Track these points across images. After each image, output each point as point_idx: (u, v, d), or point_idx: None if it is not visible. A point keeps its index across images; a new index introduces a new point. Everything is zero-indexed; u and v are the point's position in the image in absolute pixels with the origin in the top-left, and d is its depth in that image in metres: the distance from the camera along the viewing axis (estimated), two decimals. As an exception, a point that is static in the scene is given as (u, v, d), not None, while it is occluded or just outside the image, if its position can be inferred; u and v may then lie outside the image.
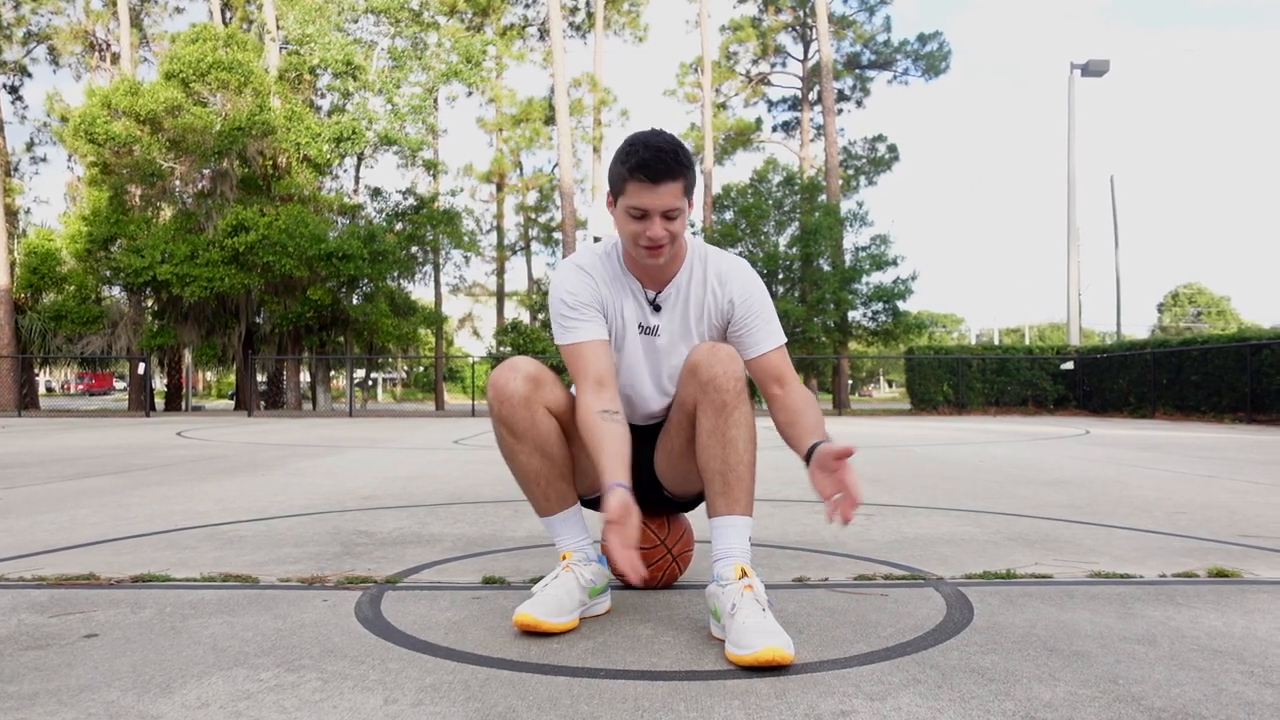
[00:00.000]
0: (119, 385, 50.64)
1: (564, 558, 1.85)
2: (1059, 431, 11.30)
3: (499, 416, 1.82)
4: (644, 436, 2.01)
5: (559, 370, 2.06)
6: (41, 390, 31.56)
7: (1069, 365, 20.05)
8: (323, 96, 25.78)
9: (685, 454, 1.88)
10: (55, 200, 42.57)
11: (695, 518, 2.17)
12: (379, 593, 2.09)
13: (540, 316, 27.46)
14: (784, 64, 32.55)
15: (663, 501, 2.05)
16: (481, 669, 1.51)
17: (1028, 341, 55.61)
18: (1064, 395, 20.17)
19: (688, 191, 1.77)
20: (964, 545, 2.72)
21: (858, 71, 31.06)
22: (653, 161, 1.70)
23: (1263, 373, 14.03)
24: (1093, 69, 23.20)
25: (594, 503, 2.05)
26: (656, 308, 1.90)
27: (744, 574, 1.66)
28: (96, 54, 30.77)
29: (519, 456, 1.85)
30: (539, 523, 3.14)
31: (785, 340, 1.93)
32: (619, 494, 1.58)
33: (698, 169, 27.72)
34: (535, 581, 2.05)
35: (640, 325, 1.91)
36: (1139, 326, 64.96)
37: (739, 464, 1.74)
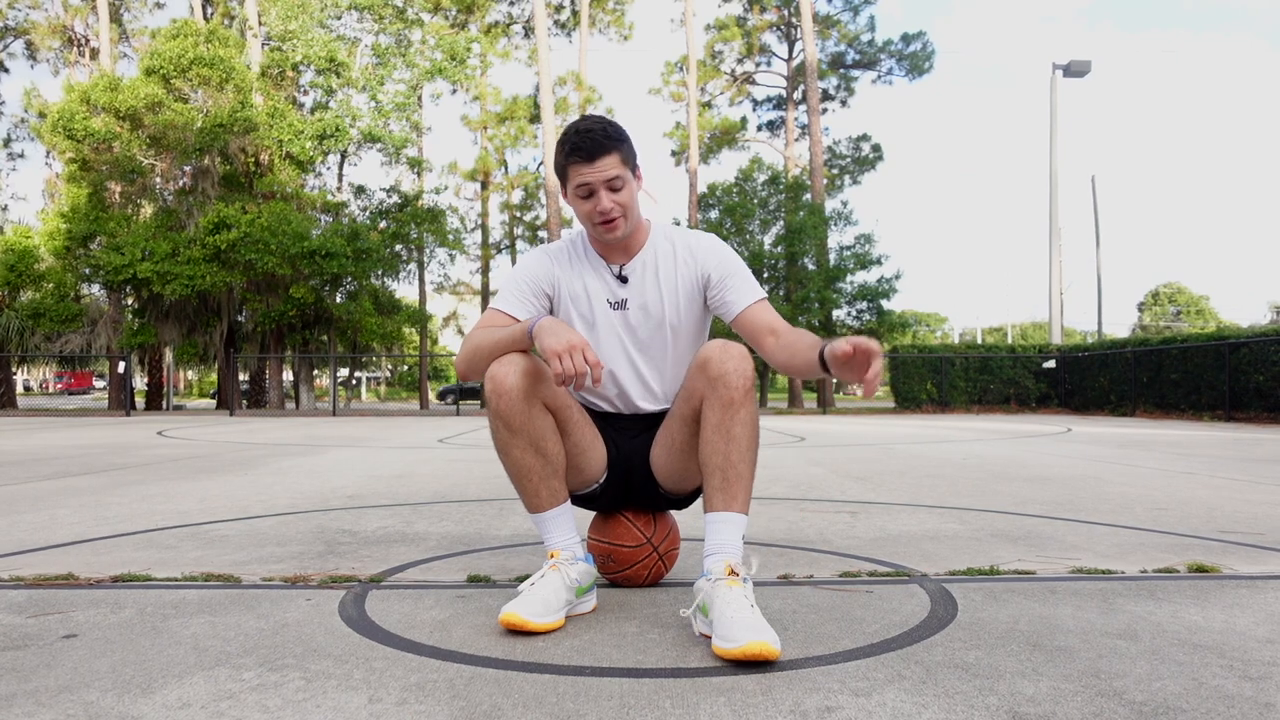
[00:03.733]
0: (98, 384, 50.09)
1: (551, 556, 1.85)
2: (1041, 429, 11.40)
3: (496, 411, 1.81)
4: (640, 429, 2.00)
5: None
6: (19, 389, 31.16)
7: (1051, 364, 20.22)
8: (306, 93, 25.61)
9: (686, 449, 1.88)
10: (33, 197, 42.12)
11: (681, 516, 2.18)
12: (363, 592, 2.07)
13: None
14: (769, 63, 32.64)
15: (656, 498, 2.04)
16: (467, 667, 1.50)
17: (1010, 340, 56.02)
18: (1046, 394, 20.34)
19: (626, 163, 1.86)
20: (948, 542, 2.74)
21: (842, 71, 31.18)
22: (583, 142, 1.82)
23: (1241, 371, 14.20)
24: (1074, 70, 23.40)
25: (583, 500, 2.04)
26: (623, 279, 1.95)
27: (733, 570, 1.66)
28: (75, 49, 30.43)
29: (513, 451, 1.84)
30: (524, 521, 3.15)
31: (765, 294, 1.96)
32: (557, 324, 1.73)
33: (684, 167, 27.68)
34: (521, 580, 2.04)
35: (609, 301, 1.96)
36: (1120, 325, 65.72)
37: (740, 461, 1.74)
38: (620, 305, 1.95)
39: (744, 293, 1.92)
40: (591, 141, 1.81)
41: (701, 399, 1.78)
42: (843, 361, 1.59)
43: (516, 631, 1.70)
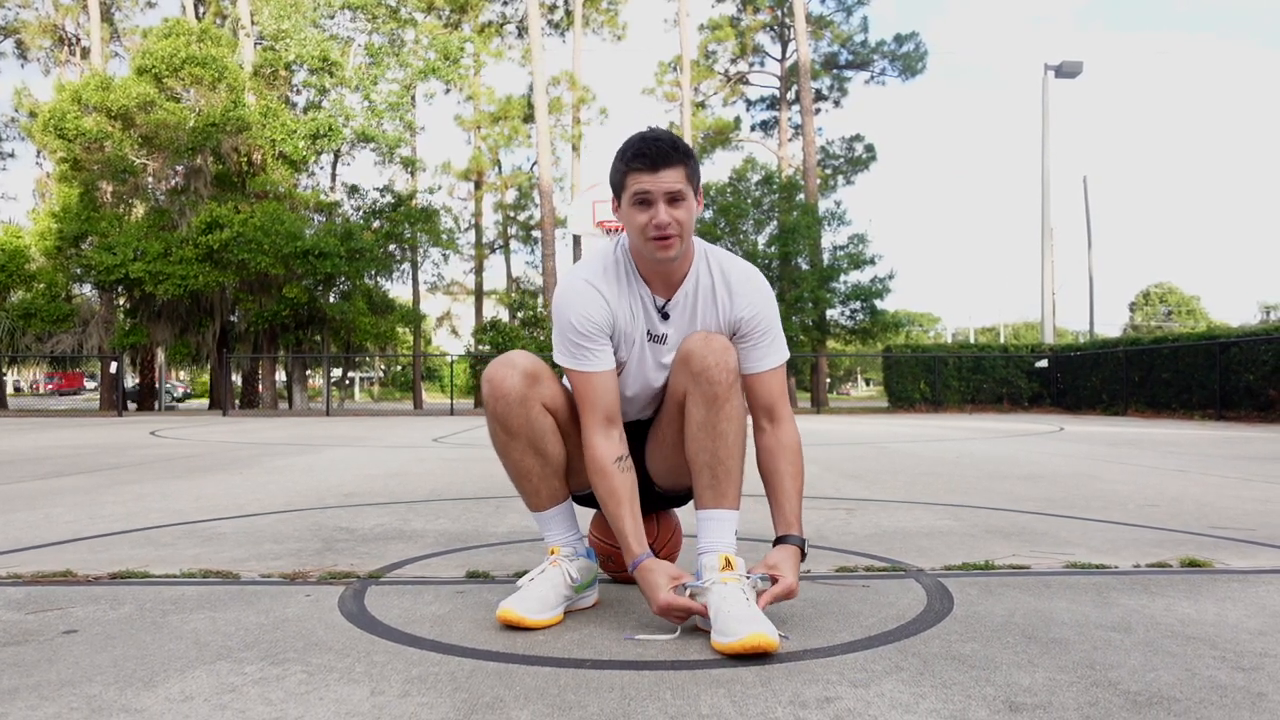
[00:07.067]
0: (89, 385, 49.82)
1: (551, 552, 1.85)
2: (1034, 428, 11.44)
3: (494, 414, 1.79)
4: (634, 431, 2.01)
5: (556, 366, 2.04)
6: (9, 390, 30.98)
7: (1043, 363, 20.31)
8: (298, 93, 25.55)
9: (676, 447, 1.86)
10: (23, 197, 41.97)
11: (681, 512, 2.18)
12: (362, 587, 2.08)
13: (520, 315, 27.38)
14: (762, 63, 32.67)
15: (654, 497, 2.04)
16: (468, 660, 1.51)
17: (1003, 340, 56.23)
18: (1038, 393, 20.42)
19: (690, 180, 1.74)
20: (943, 538, 2.76)
21: (835, 71, 31.22)
22: (647, 149, 1.71)
23: (1231, 370, 14.28)
24: (1066, 70, 23.50)
25: (587, 499, 2.04)
26: (665, 315, 1.85)
27: (729, 564, 1.67)
28: (66, 48, 30.27)
29: (512, 454, 1.83)
30: (521, 518, 3.16)
31: (788, 356, 1.91)
32: (655, 568, 1.70)
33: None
34: (520, 575, 2.05)
35: (650, 333, 1.86)
36: (1111, 325, 66.01)
37: (729, 457, 1.73)
38: (659, 340, 1.86)
39: (764, 354, 1.85)
40: (657, 149, 1.71)
41: (685, 394, 1.77)
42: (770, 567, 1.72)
43: (514, 627, 1.70)
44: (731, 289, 1.84)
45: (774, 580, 1.70)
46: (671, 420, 1.86)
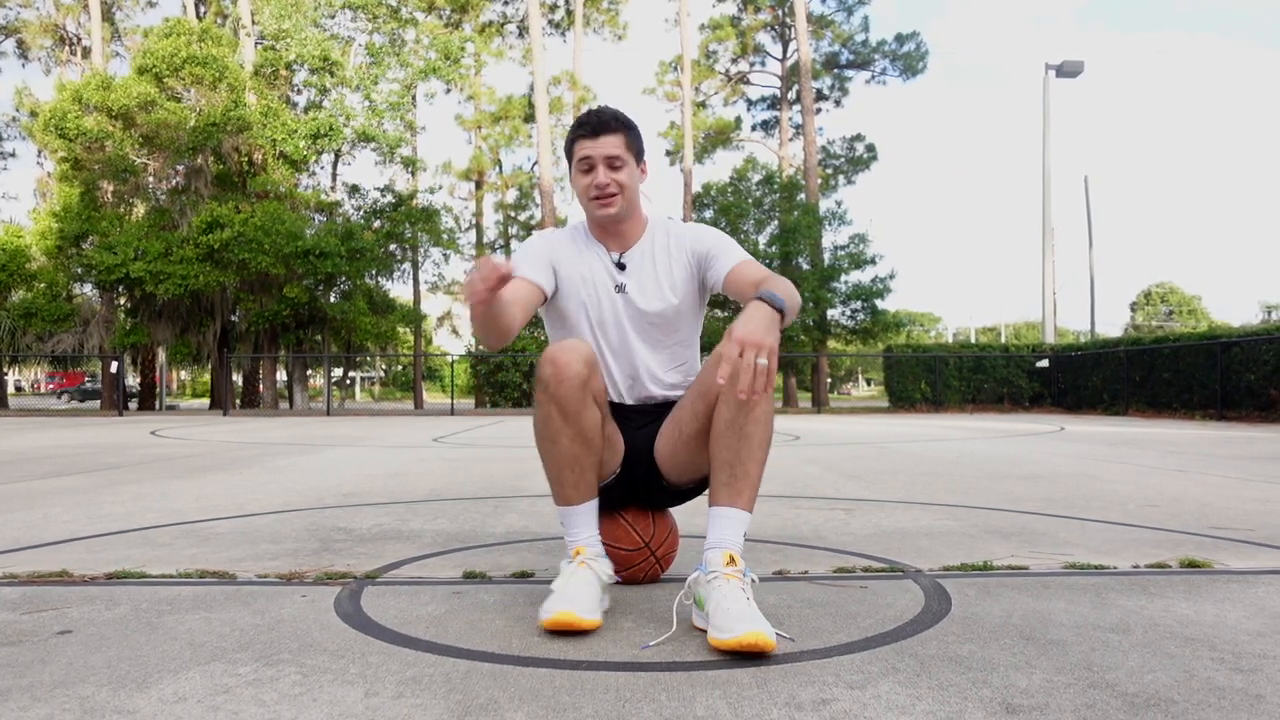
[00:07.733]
0: (90, 384, 49.83)
1: (577, 553, 1.82)
2: (1034, 428, 11.43)
3: (555, 396, 1.76)
4: (646, 420, 2.00)
5: None
6: (10, 389, 30.99)
7: (1044, 363, 20.29)
8: (299, 92, 25.53)
9: (693, 442, 1.86)
10: (24, 196, 41.94)
11: (679, 514, 2.17)
12: (358, 588, 2.08)
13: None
14: (763, 63, 32.64)
15: (659, 491, 2.02)
16: (463, 661, 1.51)
17: (1004, 340, 56.21)
18: (1039, 393, 20.40)
19: (631, 148, 1.94)
20: (941, 538, 2.75)
21: (836, 71, 31.20)
22: (590, 119, 1.94)
23: (1232, 370, 14.26)
24: (1067, 70, 23.48)
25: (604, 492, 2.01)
26: (621, 266, 2.01)
27: (732, 561, 1.67)
28: (67, 48, 30.27)
29: (562, 440, 1.80)
30: (520, 518, 3.16)
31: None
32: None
33: (678, 166, 27.75)
34: (519, 576, 2.05)
35: (613, 285, 2.00)
36: (1112, 325, 66.04)
37: (750, 460, 1.73)
38: (622, 289, 2.00)
39: (730, 256, 1.97)
40: (598, 119, 1.92)
41: (717, 394, 1.76)
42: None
43: (566, 632, 1.65)
44: (682, 235, 2.05)
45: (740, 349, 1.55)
46: (695, 415, 1.85)
